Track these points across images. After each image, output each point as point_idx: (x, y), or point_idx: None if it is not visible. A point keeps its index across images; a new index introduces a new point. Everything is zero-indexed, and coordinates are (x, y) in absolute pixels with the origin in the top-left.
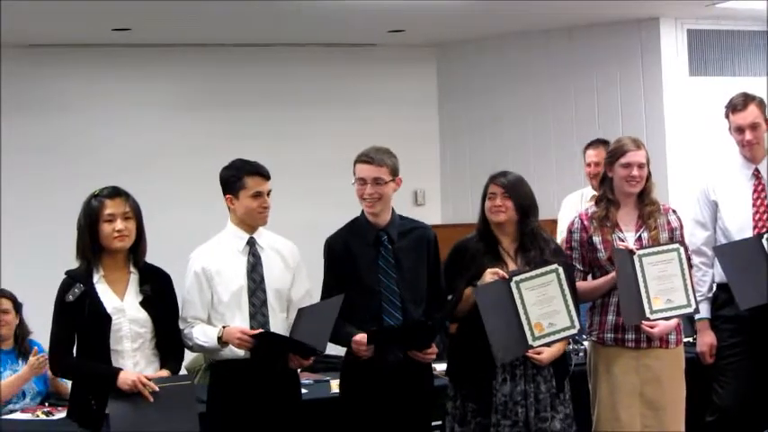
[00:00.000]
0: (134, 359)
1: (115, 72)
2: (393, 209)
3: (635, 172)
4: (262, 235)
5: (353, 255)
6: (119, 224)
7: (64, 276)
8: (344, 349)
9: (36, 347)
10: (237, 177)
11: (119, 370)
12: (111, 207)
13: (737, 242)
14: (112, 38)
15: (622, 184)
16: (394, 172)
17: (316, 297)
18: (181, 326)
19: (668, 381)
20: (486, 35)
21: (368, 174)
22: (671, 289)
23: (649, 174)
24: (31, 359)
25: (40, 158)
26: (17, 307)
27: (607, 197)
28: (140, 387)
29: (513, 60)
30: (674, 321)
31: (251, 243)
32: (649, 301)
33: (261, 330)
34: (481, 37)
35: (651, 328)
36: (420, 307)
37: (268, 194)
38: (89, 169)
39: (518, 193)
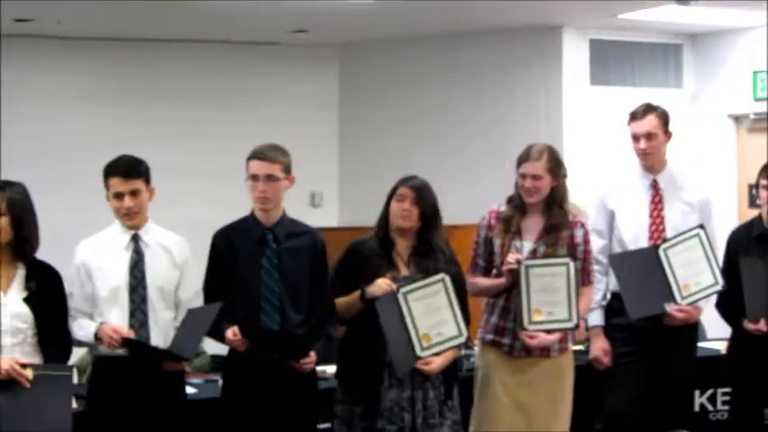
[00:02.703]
0: (12, 354)
1: (17, 64)
2: (284, 209)
3: (527, 183)
4: (149, 231)
5: (236, 251)
6: None
7: None
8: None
9: None
10: (105, 177)
11: None
12: None
13: (634, 251)
14: (15, 28)
15: (521, 193)
16: (287, 169)
17: None
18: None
19: (543, 387)
20: (389, 38)
21: (260, 170)
22: (553, 302)
23: (559, 183)
24: None
25: None
26: None
27: (516, 201)
28: (14, 374)
29: (415, 63)
30: (554, 336)
31: (135, 239)
32: (529, 313)
33: (129, 336)
34: (384, 39)
35: (531, 338)
36: (300, 311)
37: (134, 194)
38: None
39: (425, 199)
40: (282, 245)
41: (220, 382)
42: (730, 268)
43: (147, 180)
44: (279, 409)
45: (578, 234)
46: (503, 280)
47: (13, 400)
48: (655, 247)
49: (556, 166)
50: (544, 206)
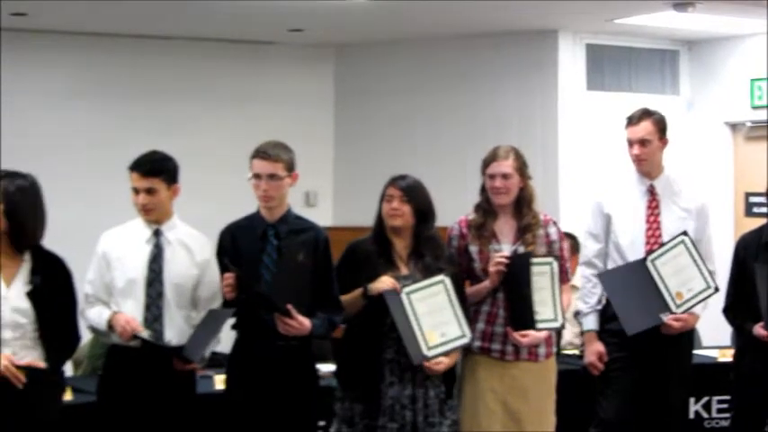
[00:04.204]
0: (12, 348)
1: (14, 58)
2: (289, 206)
3: (497, 183)
4: (174, 227)
5: (240, 247)
6: None
7: None
8: (228, 346)
9: None
10: (129, 171)
11: None
12: None
13: (621, 267)
14: (14, 23)
15: (490, 195)
16: (290, 167)
17: None
18: (81, 305)
19: (533, 393)
20: (385, 39)
21: (263, 169)
22: (541, 302)
23: (526, 184)
24: None
25: None
26: None
27: (483, 207)
28: (8, 375)
29: (411, 66)
30: (544, 333)
31: (157, 234)
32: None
33: (139, 332)
34: (380, 41)
35: (523, 337)
36: (297, 306)
37: (150, 192)
38: None
39: (416, 197)
40: (284, 241)
41: (215, 377)
42: (739, 274)
43: (171, 179)
44: (279, 403)
45: (552, 232)
46: (487, 284)
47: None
48: (642, 260)
49: (523, 166)
50: (514, 208)
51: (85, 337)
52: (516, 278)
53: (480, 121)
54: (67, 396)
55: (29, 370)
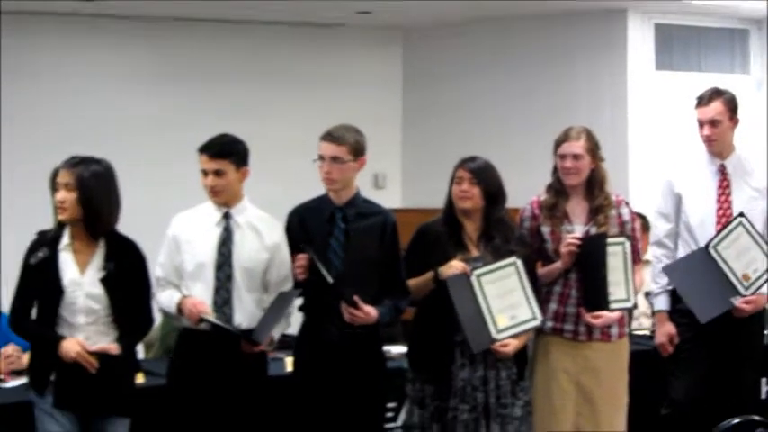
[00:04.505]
0: (86, 333)
1: (84, 43)
2: (357, 189)
3: (568, 163)
4: (244, 210)
5: (308, 229)
6: (58, 195)
7: (35, 235)
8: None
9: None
10: (199, 153)
11: (61, 338)
12: (59, 176)
13: (684, 258)
14: (83, 8)
15: (561, 175)
16: (356, 151)
17: None
18: (153, 288)
19: (606, 373)
20: (453, 21)
21: (327, 152)
22: (616, 282)
23: (598, 165)
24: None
25: (5, 127)
26: None
27: (555, 187)
28: (80, 360)
29: (479, 47)
30: (617, 313)
31: (227, 217)
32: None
33: (205, 314)
34: (447, 23)
35: (595, 318)
36: (363, 290)
37: (218, 174)
38: (52, 139)
39: (486, 179)
40: (352, 224)
41: (286, 358)
42: None
43: (240, 161)
44: (348, 386)
45: (624, 212)
46: (558, 264)
47: (81, 382)
48: (705, 248)
49: (595, 147)
50: (585, 189)
51: (157, 319)
52: (590, 259)
53: (549, 101)
54: (139, 379)
55: (101, 355)
